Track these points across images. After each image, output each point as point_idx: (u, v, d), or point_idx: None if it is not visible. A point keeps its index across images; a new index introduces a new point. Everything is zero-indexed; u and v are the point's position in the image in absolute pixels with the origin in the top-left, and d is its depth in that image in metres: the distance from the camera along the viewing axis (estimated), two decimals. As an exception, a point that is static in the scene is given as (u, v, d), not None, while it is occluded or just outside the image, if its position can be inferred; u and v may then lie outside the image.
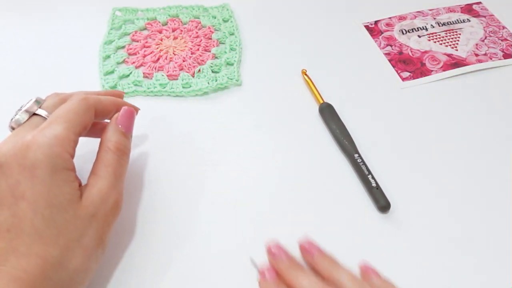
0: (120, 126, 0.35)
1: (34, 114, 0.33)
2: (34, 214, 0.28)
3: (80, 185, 0.31)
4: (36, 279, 0.27)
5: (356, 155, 0.41)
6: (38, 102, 0.34)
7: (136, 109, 0.39)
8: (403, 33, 0.54)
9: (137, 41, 0.53)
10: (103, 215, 0.31)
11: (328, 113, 0.44)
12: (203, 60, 0.50)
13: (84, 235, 0.30)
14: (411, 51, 0.52)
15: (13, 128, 0.33)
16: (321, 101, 0.46)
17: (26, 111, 0.33)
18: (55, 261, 0.28)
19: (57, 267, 0.28)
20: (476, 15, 0.56)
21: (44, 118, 0.33)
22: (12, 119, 0.33)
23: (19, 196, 0.28)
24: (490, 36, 0.53)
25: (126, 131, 0.35)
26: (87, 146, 0.37)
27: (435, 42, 0.53)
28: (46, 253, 0.28)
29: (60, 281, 0.28)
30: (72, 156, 0.31)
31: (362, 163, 0.40)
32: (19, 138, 0.30)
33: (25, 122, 0.33)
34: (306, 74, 0.48)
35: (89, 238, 0.30)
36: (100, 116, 0.35)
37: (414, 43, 0.53)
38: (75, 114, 0.32)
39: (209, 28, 0.54)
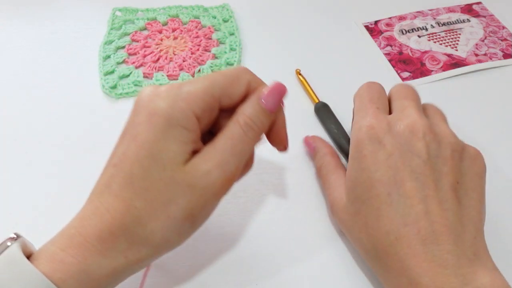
0: (263, 100, 0.30)
1: None
2: (136, 159, 0.27)
3: (195, 151, 0.28)
4: (114, 221, 0.26)
5: None
6: None
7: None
8: (403, 33, 0.54)
9: (137, 41, 0.53)
10: (201, 189, 0.27)
11: (324, 112, 0.44)
12: (203, 60, 0.50)
13: (172, 202, 0.27)
14: (411, 51, 0.52)
15: None
16: (317, 101, 0.46)
17: None
18: (136, 214, 0.26)
19: (135, 220, 0.26)
20: (476, 15, 0.56)
21: None
22: None
23: (134, 136, 0.27)
24: (490, 36, 0.53)
25: (268, 108, 0.30)
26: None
27: (435, 42, 0.53)
28: (131, 201, 0.26)
29: (134, 236, 0.27)
30: (199, 118, 0.28)
31: None
32: (170, 85, 0.29)
33: None
34: (300, 74, 0.48)
35: (177, 207, 0.27)
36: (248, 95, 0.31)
37: (414, 43, 0.53)
38: (222, 76, 0.29)
39: (209, 28, 0.54)
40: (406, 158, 0.31)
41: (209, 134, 0.30)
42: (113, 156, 0.28)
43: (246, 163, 0.32)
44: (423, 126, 0.32)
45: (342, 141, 0.42)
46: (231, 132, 0.29)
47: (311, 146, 0.41)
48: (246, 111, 0.29)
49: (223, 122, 0.30)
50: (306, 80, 0.48)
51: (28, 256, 0.26)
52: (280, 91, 0.30)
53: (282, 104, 0.31)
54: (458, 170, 0.32)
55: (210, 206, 0.29)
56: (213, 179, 0.28)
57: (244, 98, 0.30)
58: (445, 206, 0.30)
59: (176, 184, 0.27)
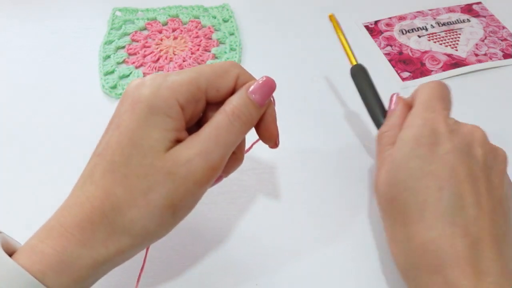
0: (252, 95, 0.29)
1: None
2: (117, 146, 0.27)
3: (179, 140, 0.28)
4: (94, 210, 0.26)
5: None
6: None
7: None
8: (403, 33, 0.54)
9: (137, 41, 0.53)
10: (182, 178, 0.27)
11: (360, 77, 0.41)
12: (203, 60, 0.50)
13: (152, 190, 0.26)
14: (411, 51, 0.52)
15: None
16: (354, 63, 0.43)
17: None
18: (115, 202, 0.26)
19: (115, 208, 0.26)
20: (476, 15, 0.56)
21: None
22: None
23: (118, 125, 0.27)
24: (490, 36, 0.53)
25: (256, 101, 0.29)
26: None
27: (435, 42, 0.53)
28: (111, 189, 0.26)
29: (113, 224, 0.26)
30: (183, 107, 0.28)
31: None
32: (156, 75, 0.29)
33: None
34: (336, 21, 0.45)
35: (157, 195, 0.27)
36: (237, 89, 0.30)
37: (414, 43, 0.53)
38: (210, 68, 0.29)
39: (209, 28, 0.54)
40: (464, 159, 0.31)
41: (197, 127, 0.30)
42: (98, 147, 0.28)
43: (236, 158, 0.31)
44: (482, 135, 0.33)
45: (376, 111, 0.39)
46: (217, 121, 0.28)
47: (389, 107, 0.37)
48: (234, 101, 0.29)
49: (211, 115, 0.29)
50: (341, 31, 0.44)
51: (12, 254, 0.26)
52: (269, 86, 0.30)
53: (273, 99, 0.31)
54: (506, 186, 0.32)
55: (192, 195, 0.28)
56: (194, 168, 0.27)
57: (232, 92, 0.30)
58: (494, 216, 0.30)
59: (156, 172, 0.27)
